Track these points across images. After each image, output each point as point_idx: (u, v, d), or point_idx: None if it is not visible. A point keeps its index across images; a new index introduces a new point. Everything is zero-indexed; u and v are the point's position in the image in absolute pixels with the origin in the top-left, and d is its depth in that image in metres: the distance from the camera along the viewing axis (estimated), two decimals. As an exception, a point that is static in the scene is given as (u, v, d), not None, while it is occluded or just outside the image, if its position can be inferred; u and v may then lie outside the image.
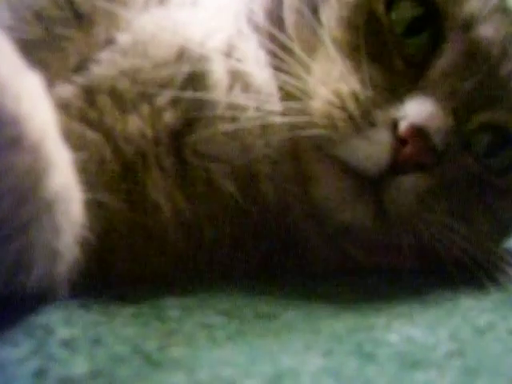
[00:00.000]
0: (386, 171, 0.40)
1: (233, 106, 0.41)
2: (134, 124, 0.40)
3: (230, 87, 0.42)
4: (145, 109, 0.40)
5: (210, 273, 0.42)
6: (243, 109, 0.41)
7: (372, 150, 0.40)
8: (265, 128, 0.42)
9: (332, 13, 0.43)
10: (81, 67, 0.41)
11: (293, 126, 0.41)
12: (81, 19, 0.41)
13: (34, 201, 0.29)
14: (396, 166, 0.40)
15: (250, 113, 0.41)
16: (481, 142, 0.45)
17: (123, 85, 0.40)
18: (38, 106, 0.30)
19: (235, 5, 0.47)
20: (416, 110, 0.40)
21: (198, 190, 0.41)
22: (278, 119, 0.41)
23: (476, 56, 0.43)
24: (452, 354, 0.32)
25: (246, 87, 0.42)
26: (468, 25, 0.43)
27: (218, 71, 0.42)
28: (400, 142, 0.39)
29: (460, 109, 0.42)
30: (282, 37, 0.43)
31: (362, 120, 0.40)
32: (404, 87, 0.41)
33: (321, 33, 0.43)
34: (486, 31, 0.44)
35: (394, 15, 0.43)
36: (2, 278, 0.30)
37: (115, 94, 0.40)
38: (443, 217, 0.42)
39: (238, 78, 0.42)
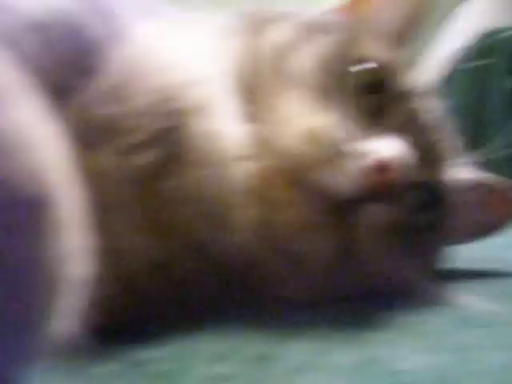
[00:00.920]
0: (357, 198, 0.43)
1: (206, 154, 0.42)
2: (99, 163, 0.39)
3: (204, 139, 0.42)
4: (116, 146, 0.39)
5: (186, 315, 0.41)
6: (215, 156, 0.42)
7: (346, 175, 0.42)
8: (234, 174, 0.43)
9: (303, 63, 0.48)
10: None
11: (260, 162, 0.44)
12: None
13: None
14: (366, 194, 0.43)
15: (220, 159, 0.42)
16: (414, 197, 0.50)
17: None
18: None
19: (212, 42, 0.48)
20: (385, 147, 0.44)
21: (165, 230, 0.41)
22: (247, 164, 0.43)
23: (419, 119, 0.51)
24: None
25: (218, 137, 0.43)
26: (413, 93, 0.52)
27: (194, 128, 0.42)
28: (373, 172, 0.42)
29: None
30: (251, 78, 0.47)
31: (338, 148, 0.43)
32: (370, 129, 0.46)
33: (287, 79, 0.47)
34: (423, 101, 0.53)
35: (357, 73, 0.49)
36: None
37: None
38: (392, 252, 0.47)
39: (211, 130, 0.42)
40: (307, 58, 0.49)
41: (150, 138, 0.40)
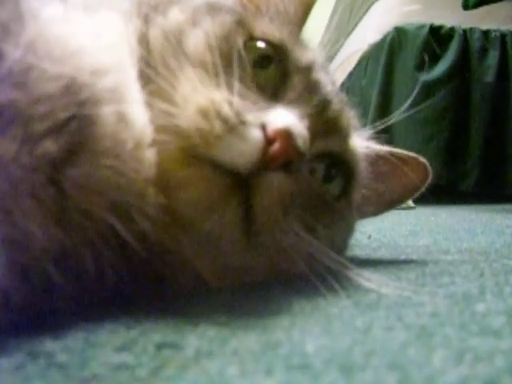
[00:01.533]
0: (256, 168, 0.43)
1: (115, 143, 0.41)
2: (4, 148, 0.36)
3: (114, 128, 0.41)
4: (18, 133, 0.37)
5: (88, 305, 0.41)
6: (124, 144, 0.41)
7: (244, 146, 0.43)
8: (141, 161, 0.42)
9: (195, 43, 0.49)
10: None
11: (164, 145, 0.44)
12: None
13: None
14: (265, 163, 0.43)
15: (129, 147, 0.42)
16: (320, 168, 0.54)
17: None
18: None
19: (119, 27, 0.47)
20: (281, 117, 0.46)
21: (75, 219, 0.39)
22: (151, 151, 0.43)
23: (316, 92, 0.53)
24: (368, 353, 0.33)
25: (126, 125, 0.42)
26: (308, 69, 0.54)
27: (104, 115, 0.41)
28: (269, 141, 0.43)
29: (309, 130, 0.48)
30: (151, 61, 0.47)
31: (235, 120, 0.43)
32: (266, 102, 0.48)
33: (183, 59, 0.48)
34: (321, 76, 0.55)
35: (248, 50, 0.51)
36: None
37: None
38: (296, 226, 0.47)
39: (120, 118, 0.42)
40: (199, 38, 0.50)
41: (56, 126, 0.38)
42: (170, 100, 0.45)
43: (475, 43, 2.48)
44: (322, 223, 0.52)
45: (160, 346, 0.34)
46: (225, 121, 0.43)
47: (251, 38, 0.52)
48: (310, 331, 0.38)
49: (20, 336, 0.35)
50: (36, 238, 0.37)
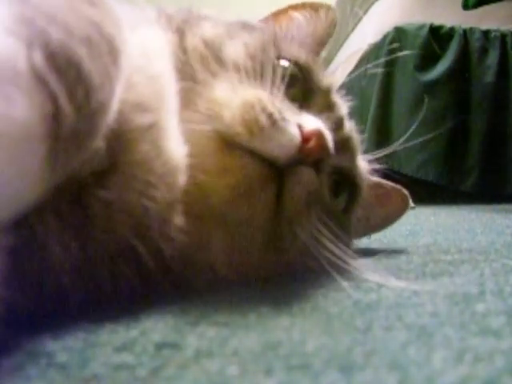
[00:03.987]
0: (292, 160, 0.48)
1: (146, 170, 0.42)
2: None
3: (147, 156, 0.42)
4: None
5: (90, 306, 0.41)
6: (155, 171, 0.43)
7: (284, 140, 0.47)
8: (171, 188, 0.44)
9: (241, 50, 0.54)
10: None
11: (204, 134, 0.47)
12: None
13: None
14: (300, 158, 0.48)
15: (160, 173, 0.43)
16: (331, 181, 0.58)
17: None
18: None
19: (161, 43, 0.50)
20: (313, 121, 0.51)
21: (97, 237, 0.40)
22: (182, 177, 0.45)
23: (333, 111, 0.58)
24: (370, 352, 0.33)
25: (159, 154, 0.43)
26: (328, 91, 0.60)
27: (140, 144, 0.42)
28: (304, 139, 0.48)
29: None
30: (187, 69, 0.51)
31: (277, 116, 0.47)
32: (297, 110, 0.53)
33: (224, 63, 0.52)
34: (337, 99, 0.61)
35: (278, 66, 0.55)
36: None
37: None
38: (316, 222, 0.52)
39: (155, 149, 0.43)
40: (239, 47, 0.54)
41: (92, 152, 0.38)
42: (208, 99, 0.49)
43: (475, 43, 2.48)
44: (332, 232, 0.53)
45: (160, 346, 0.34)
46: (269, 115, 0.47)
47: (281, 57, 0.57)
48: (310, 331, 0.38)
49: (20, 336, 0.35)
50: (53, 251, 0.38)
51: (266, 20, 0.69)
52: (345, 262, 0.50)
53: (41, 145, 0.30)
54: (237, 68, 0.52)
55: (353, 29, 2.92)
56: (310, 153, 0.48)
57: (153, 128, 0.43)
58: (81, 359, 0.32)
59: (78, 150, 0.34)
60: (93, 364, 0.32)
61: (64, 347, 0.34)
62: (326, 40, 0.69)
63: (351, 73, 2.92)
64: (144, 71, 0.44)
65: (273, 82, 0.52)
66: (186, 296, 0.46)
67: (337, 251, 0.50)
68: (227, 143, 0.47)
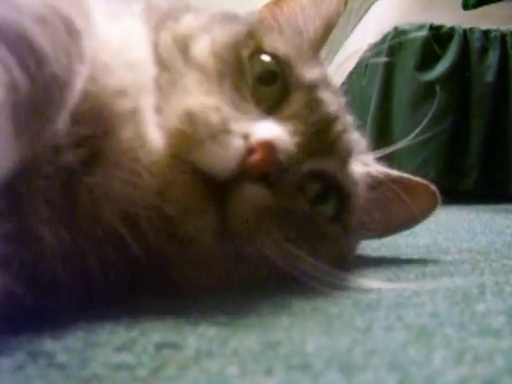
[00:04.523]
0: (234, 176, 0.43)
1: (130, 158, 0.42)
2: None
3: (130, 145, 0.43)
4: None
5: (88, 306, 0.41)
6: (139, 161, 0.43)
7: (224, 154, 0.43)
8: (155, 177, 0.43)
9: (206, 47, 0.50)
10: None
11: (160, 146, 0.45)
12: None
13: None
14: (243, 173, 0.43)
15: (144, 163, 0.43)
16: (311, 188, 0.52)
17: None
18: None
19: (143, 36, 0.49)
20: (267, 129, 0.46)
21: (85, 225, 0.41)
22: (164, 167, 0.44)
23: (316, 110, 0.52)
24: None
25: (143, 144, 0.43)
26: (311, 87, 0.53)
27: (122, 134, 0.43)
28: (249, 151, 0.43)
29: (301, 148, 0.47)
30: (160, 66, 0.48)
31: (219, 128, 0.43)
32: (260, 115, 0.48)
33: (190, 61, 0.49)
34: (325, 95, 0.53)
35: (253, 63, 0.51)
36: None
37: None
38: (279, 239, 0.47)
39: (137, 137, 0.43)
40: (205, 44, 0.50)
41: (79, 140, 0.40)
42: (168, 102, 0.46)
43: (475, 43, 2.47)
44: (308, 242, 0.50)
45: (160, 346, 0.34)
46: (209, 127, 0.43)
47: (259, 51, 0.52)
48: (310, 331, 0.38)
49: (20, 336, 0.35)
50: (45, 240, 0.39)
51: (267, 5, 0.61)
52: (325, 271, 0.47)
53: (1, 113, 0.31)
54: (200, 67, 0.49)
55: (353, 29, 2.92)
56: (253, 168, 0.43)
57: (134, 114, 0.43)
58: (81, 359, 0.32)
59: (41, 120, 0.35)
60: (93, 364, 0.31)
61: (64, 347, 0.34)
62: (336, 19, 0.61)
63: (351, 73, 2.92)
64: (124, 59, 0.44)
65: (237, 83, 0.49)
66: (186, 296, 0.46)
67: (313, 261, 0.47)
68: (172, 155, 0.44)
